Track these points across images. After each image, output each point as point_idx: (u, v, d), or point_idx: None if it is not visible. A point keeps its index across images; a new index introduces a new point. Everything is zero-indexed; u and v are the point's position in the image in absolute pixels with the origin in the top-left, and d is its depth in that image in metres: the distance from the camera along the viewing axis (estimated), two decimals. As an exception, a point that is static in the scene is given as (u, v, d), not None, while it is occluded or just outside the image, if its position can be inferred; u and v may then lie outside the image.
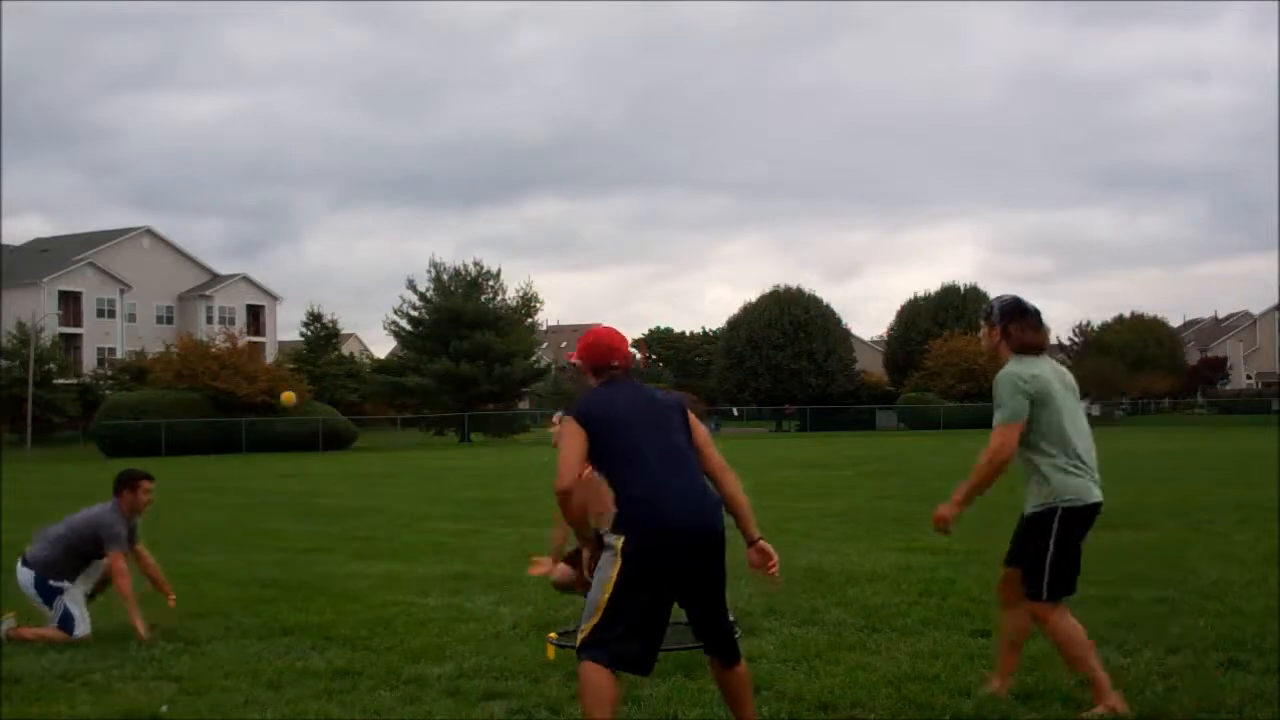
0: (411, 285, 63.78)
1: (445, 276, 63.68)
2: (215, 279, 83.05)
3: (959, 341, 66.48)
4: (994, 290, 74.91)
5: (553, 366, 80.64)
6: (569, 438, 4.44)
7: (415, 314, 63.65)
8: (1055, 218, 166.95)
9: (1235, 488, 17.27)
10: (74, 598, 7.27)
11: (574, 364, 4.75)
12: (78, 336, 73.40)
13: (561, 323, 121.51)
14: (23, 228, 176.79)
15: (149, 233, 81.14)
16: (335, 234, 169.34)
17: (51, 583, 7.24)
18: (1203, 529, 11.82)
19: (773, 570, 4.65)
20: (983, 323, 5.31)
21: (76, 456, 46.59)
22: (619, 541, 4.31)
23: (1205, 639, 6.31)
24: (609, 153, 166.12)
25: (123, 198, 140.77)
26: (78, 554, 7.33)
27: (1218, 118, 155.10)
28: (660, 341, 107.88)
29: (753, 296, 76.59)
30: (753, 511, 4.71)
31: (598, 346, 4.71)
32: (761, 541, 4.64)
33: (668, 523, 4.30)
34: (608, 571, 4.32)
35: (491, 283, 64.56)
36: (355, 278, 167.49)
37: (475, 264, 64.52)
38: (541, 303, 66.96)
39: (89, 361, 71.80)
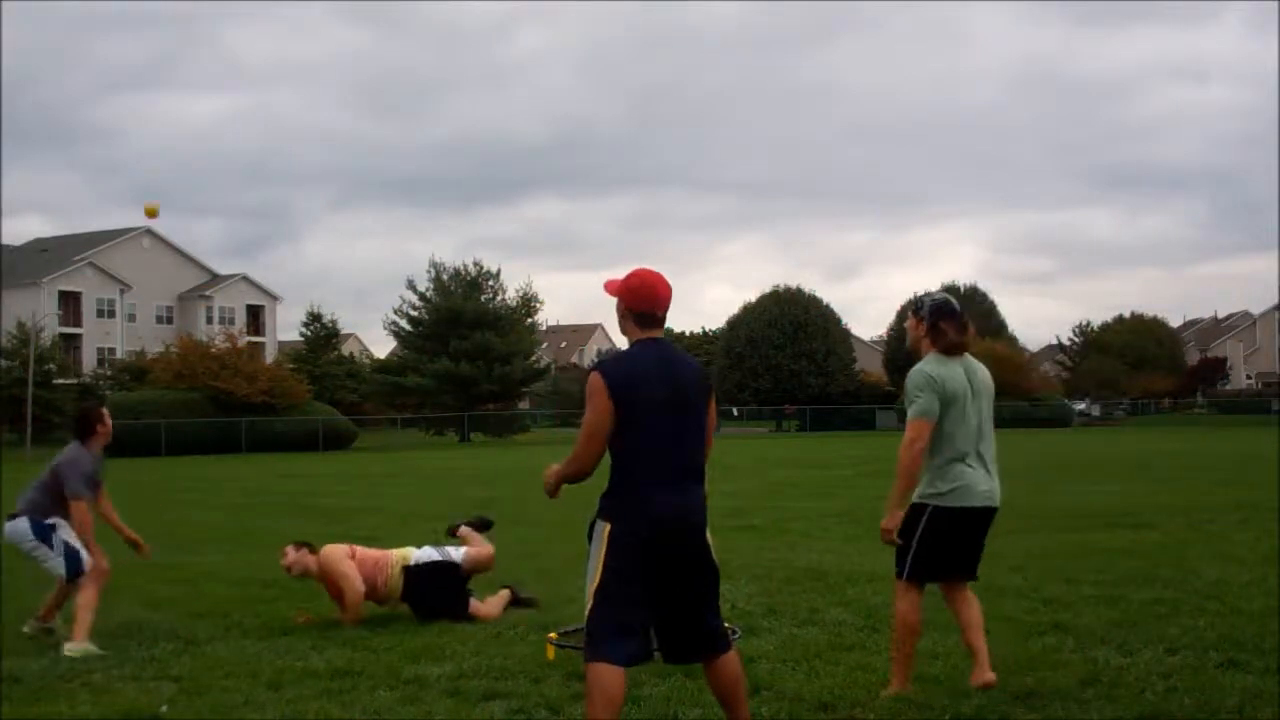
0: (411, 285, 63.88)
1: (445, 276, 63.70)
2: (215, 279, 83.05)
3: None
4: (994, 290, 74.92)
5: (552, 366, 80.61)
6: (598, 410, 4.23)
7: (415, 314, 63.66)
8: (1055, 218, 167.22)
9: (1235, 488, 17.26)
10: (70, 534, 7.21)
11: (615, 299, 4.44)
12: (78, 336, 73.40)
13: (561, 323, 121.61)
14: (23, 228, 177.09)
15: (149, 233, 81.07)
16: (335, 234, 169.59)
17: (45, 521, 7.18)
18: (1203, 529, 11.81)
19: None
20: (910, 315, 5.47)
21: (76, 456, 46.50)
22: (605, 529, 4.26)
23: (1205, 639, 6.31)
24: (609, 153, 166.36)
25: (123, 198, 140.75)
26: (62, 496, 7.26)
27: (1218, 118, 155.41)
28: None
29: (753, 296, 76.66)
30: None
31: (643, 289, 4.39)
32: None
33: (653, 513, 4.22)
34: (595, 561, 4.26)
35: (491, 283, 64.59)
36: (355, 278, 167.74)
37: (475, 264, 64.63)
38: (541, 303, 67.02)
39: (89, 361, 71.79)
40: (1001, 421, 6.54)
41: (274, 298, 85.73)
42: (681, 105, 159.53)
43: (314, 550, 7.72)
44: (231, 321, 75.43)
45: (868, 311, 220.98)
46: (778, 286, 74.44)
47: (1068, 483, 18.88)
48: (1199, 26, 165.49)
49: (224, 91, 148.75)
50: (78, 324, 73.87)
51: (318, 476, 28.11)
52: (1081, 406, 77.00)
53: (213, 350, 53.57)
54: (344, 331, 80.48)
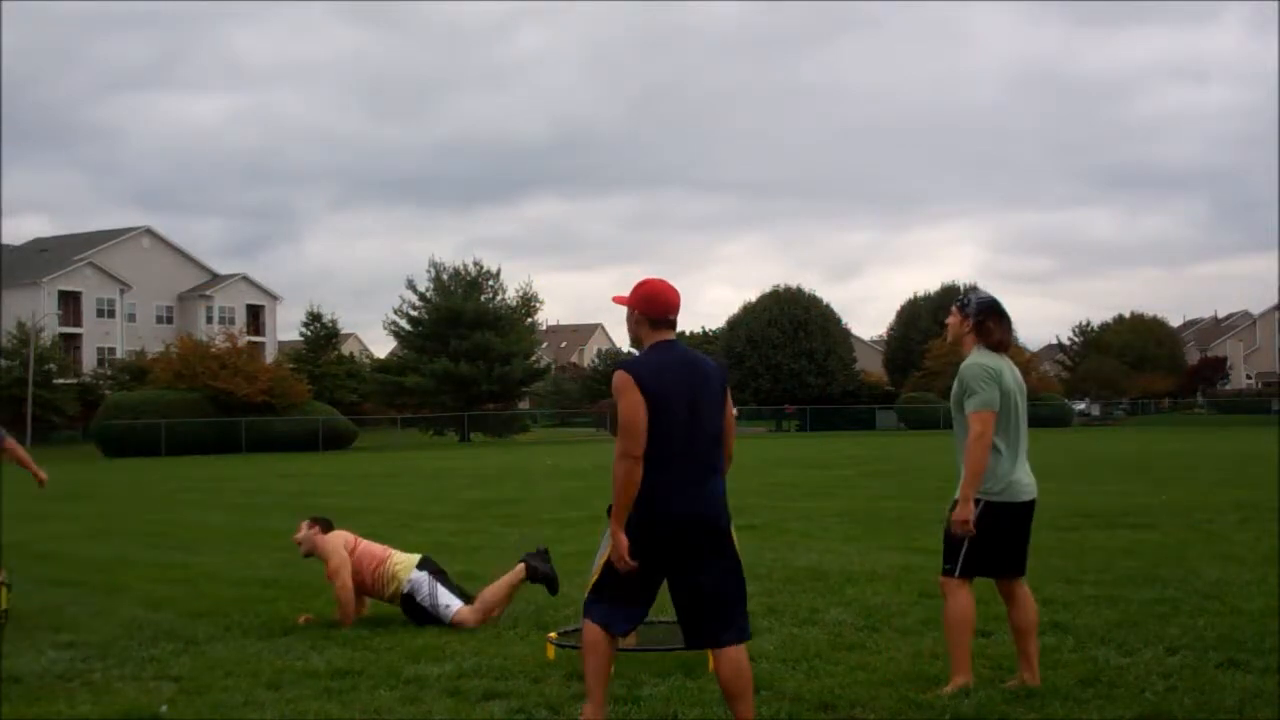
0: (411, 285, 63.91)
1: (445, 276, 63.71)
2: (215, 279, 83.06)
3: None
4: (994, 290, 74.89)
5: (553, 366, 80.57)
6: (634, 407, 4.44)
7: (415, 314, 63.66)
8: (1055, 218, 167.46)
9: (1235, 488, 17.25)
10: None
11: (628, 310, 4.73)
12: (78, 336, 73.41)
13: (561, 323, 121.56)
14: (23, 228, 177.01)
15: (149, 233, 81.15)
16: (335, 234, 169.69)
17: None
18: (1203, 529, 11.80)
19: None
20: (955, 309, 5.49)
21: (76, 456, 46.57)
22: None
23: (1205, 639, 6.31)
24: (609, 153, 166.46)
25: (123, 198, 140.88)
26: None
27: (1218, 118, 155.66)
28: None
29: (753, 296, 76.73)
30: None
31: (658, 296, 4.70)
32: None
33: (672, 511, 4.48)
34: (606, 546, 4.65)
35: (491, 283, 64.61)
36: (355, 278, 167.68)
37: (475, 264, 64.68)
38: (541, 303, 67.10)
39: (89, 361, 71.82)
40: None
41: (274, 298, 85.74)
42: (681, 105, 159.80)
43: (327, 530, 7.72)
44: (231, 321, 75.47)
45: (868, 311, 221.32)
46: (778, 286, 74.60)
47: (1068, 482, 18.87)
48: (1199, 26, 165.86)
49: (224, 91, 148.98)
50: (78, 324, 73.89)
51: (318, 476, 28.10)
52: (1081, 406, 77.03)
53: (213, 350, 53.58)
54: (344, 331, 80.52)
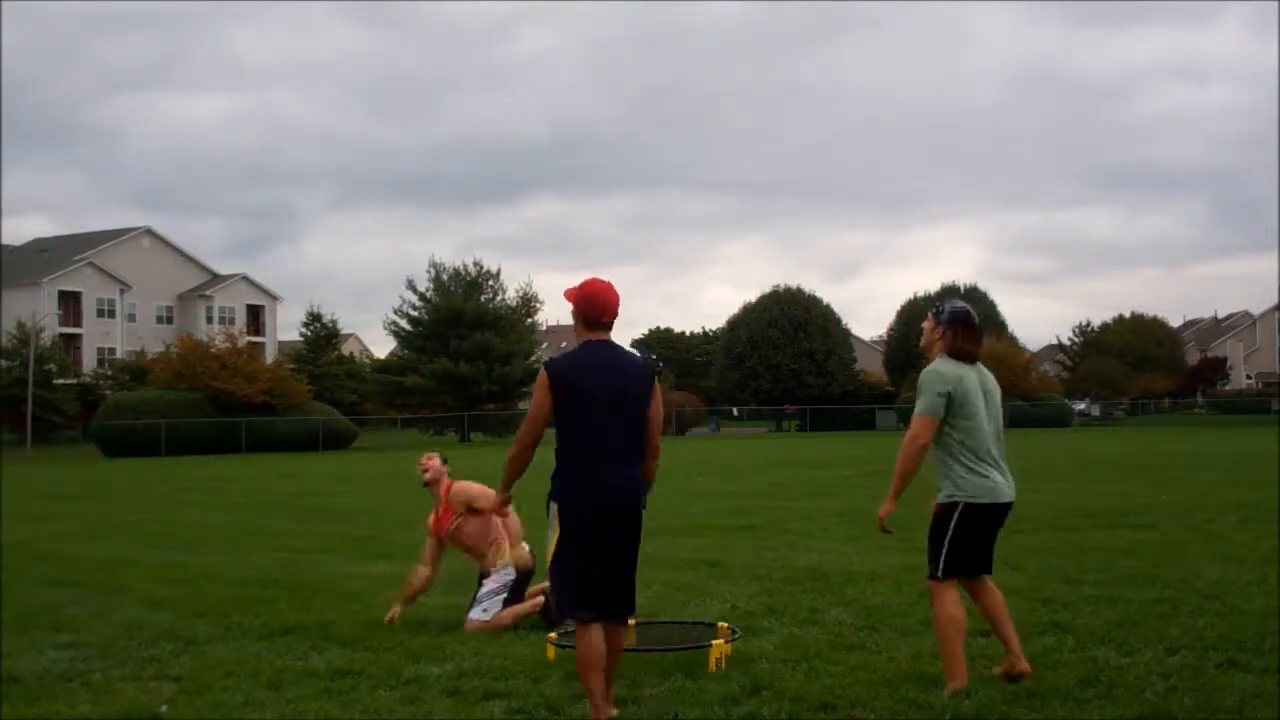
0: (411, 285, 63.83)
1: (445, 276, 63.67)
2: (215, 279, 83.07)
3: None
4: (994, 290, 75.05)
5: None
6: (538, 405, 4.88)
7: (415, 314, 63.62)
8: (1055, 218, 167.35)
9: (1235, 488, 17.25)
10: None
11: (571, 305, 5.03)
12: (78, 336, 73.42)
13: (561, 323, 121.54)
14: (23, 228, 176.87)
15: (149, 233, 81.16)
16: (335, 234, 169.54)
17: None
18: (1203, 529, 11.80)
19: None
20: (930, 315, 5.66)
21: (76, 456, 46.58)
22: (555, 507, 4.90)
23: (1205, 639, 6.31)
24: (609, 153, 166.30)
25: (123, 198, 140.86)
26: None
27: (1218, 118, 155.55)
28: (660, 341, 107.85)
29: (753, 296, 76.71)
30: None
31: (594, 300, 4.95)
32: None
33: (601, 505, 4.83)
34: (551, 535, 4.92)
35: (491, 283, 64.56)
36: (355, 278, 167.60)
37: (475, 264, 64.58)
38: (541, 303, 66.97)
39: (89, 361, 71.82)
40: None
41: (274, 298, 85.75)
42: (681, 105, 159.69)
43: (450, 478, 7.73)
44: (231, 321, 75.47)
45: (868, 311, 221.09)
46: (778, 286, 74.59)
47: (1068, 482, 18.87)
48: (1199, 27, 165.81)
49: (224, 91, 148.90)
50: (78, 324, 73.90)
51: (318, 476, 28.11)
52: (1081, 406, 77.01)
53: (213, 350, 53.57)
54: (344, 331, 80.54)
